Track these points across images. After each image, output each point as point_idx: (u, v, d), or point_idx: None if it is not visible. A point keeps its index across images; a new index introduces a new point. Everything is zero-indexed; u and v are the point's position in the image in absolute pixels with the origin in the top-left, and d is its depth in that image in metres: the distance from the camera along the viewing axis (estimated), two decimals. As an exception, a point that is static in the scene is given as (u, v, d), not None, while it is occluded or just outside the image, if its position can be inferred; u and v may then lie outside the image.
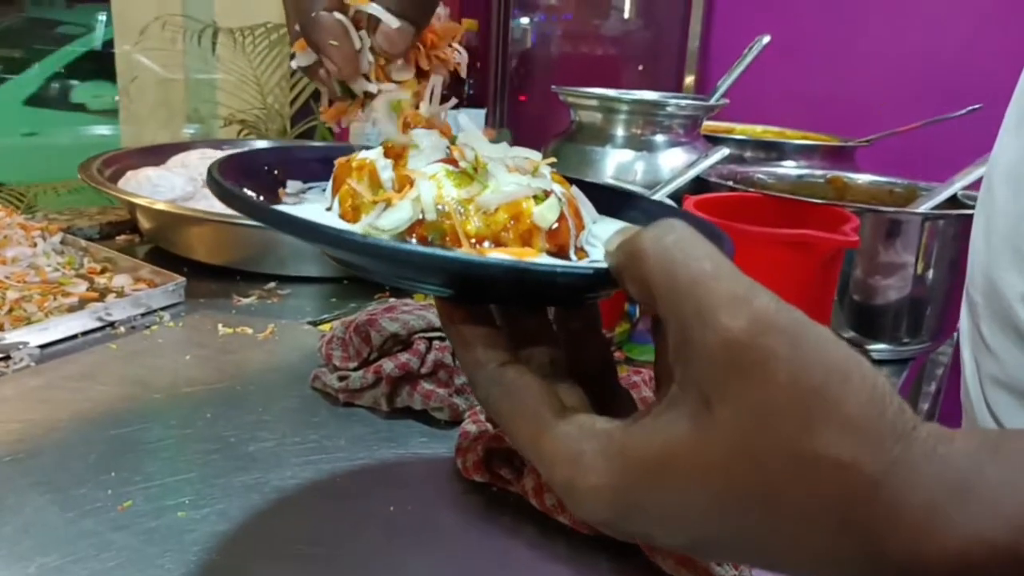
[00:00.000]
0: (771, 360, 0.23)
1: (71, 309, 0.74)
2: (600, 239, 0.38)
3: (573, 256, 0.37)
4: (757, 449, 0.23)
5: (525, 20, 2.17)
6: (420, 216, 0.35)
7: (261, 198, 0.40)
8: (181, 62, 2.45)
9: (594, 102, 0.99)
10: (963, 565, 0.23)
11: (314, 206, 0.40)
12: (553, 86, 1.04)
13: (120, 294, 0.78)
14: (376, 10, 0.37)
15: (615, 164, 0.97)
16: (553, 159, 0.39)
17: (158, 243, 0.96)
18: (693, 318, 0.24)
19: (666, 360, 0.26)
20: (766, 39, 1.02)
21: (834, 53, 1.71)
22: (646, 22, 2.10)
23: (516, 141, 0.40)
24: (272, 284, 0.88)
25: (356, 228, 0.36)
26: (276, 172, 0.43)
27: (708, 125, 1.22)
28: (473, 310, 0.31)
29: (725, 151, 0.82)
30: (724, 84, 1.02)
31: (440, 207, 0.35)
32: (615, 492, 0.26)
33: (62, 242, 0.88)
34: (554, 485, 0.27)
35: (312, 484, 0.52)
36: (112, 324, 0.74)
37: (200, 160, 1.09)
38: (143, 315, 0.76)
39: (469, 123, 0.39)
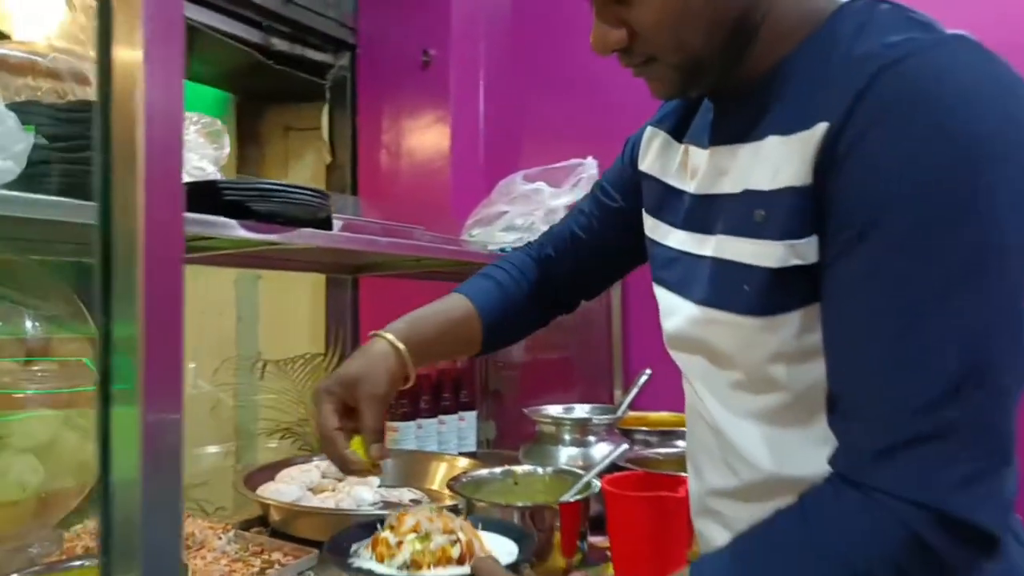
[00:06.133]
0: None
1: None
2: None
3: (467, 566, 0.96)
4: None
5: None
6: (406, 559, 0.96)
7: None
8: (233, 389, 3.12)
9: (549, 419, 1.63)
10: None
11: (365, 558, 1.01)
12: (524, 409, 1.68)
13: (282, 564, 1.33)
14: None
15: (566, 456, 1.58)
16: (463, 519, 1.01)
17: (283, 530, 1.52)
18: None
19: None
20: (648, 372, 1.68)
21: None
22: (581, 334, 2.80)
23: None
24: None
25: (387, 568, 0.97)
26: (344, 543, 1.05)
27: (629, 416, 1.85)
28: None
29: (625, 447, 1.43)
30: (624, 402, 1.66)
31: (414, 554, 0.96)
32: None
33: (234, 535, 1.44)
34: None
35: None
36: (285, 580, 1.28)
37: (300, 472, 1.68)
38: (299, 573, 1.31)
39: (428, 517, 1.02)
